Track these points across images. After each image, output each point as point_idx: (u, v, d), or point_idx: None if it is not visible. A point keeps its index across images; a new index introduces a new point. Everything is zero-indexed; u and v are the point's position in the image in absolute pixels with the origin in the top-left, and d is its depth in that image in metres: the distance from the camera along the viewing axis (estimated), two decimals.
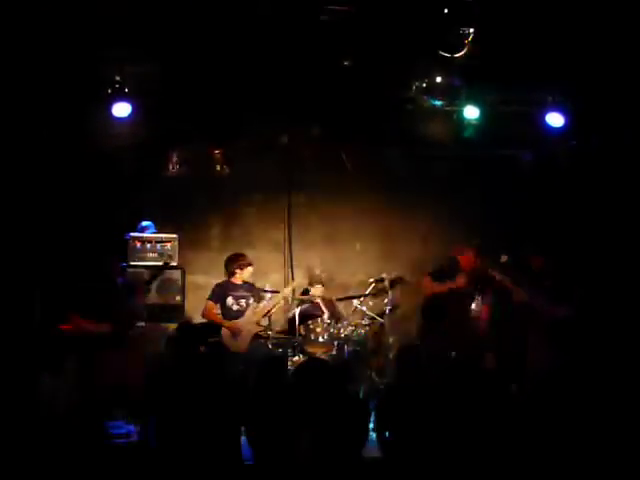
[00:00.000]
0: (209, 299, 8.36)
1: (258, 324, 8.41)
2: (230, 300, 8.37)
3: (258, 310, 8.39)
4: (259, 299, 8.49)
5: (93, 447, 5.63)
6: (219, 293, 8.39)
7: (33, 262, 7.91)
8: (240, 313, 8.35)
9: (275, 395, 5.29)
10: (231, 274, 8.47)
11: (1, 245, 7.83)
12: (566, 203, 9.37)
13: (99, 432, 5.96)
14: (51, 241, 8.22)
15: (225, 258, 8.59)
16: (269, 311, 8.49)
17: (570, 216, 9.26)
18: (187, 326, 6.63)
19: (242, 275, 8.45)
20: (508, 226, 9.44)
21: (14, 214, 8.02)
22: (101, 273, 7.87)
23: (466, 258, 8.20)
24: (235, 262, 8.47)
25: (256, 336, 8.37)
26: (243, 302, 8.40)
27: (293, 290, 8.99)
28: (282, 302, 8.76)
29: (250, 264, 8.50)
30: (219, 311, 8.37)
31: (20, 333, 7.33)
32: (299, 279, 9.08)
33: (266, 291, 8.69)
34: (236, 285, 8.44)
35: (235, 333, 8.22)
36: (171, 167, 9.15)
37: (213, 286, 8.49)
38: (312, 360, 6.27)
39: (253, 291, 8.50)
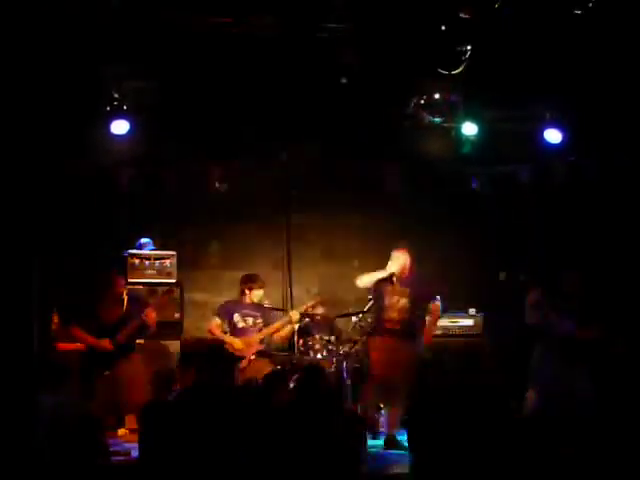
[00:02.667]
0: (215, 315, 8.36)
1: (261, 342, 8.37)
2: (237, 317, 8.34)
3: (265, 330, 8.38)
4: (267, 320, 8.47)
5: (93, 465, 5.59)
6: (226, 310, 8.38)
7: (31, 278, 7.88)
8: (245, 330, 8.33)
9: (274, 413, 5.27)
10: (241, 293, 8.46)
11: None
12: (564, 219, 9.37)
13: (98, 449, 5.91)
14: (49, 257, 8.19)
15: (241, 276, 8.56)
16: (276, 331, 8.46)
17: (569, 232, 9.26)
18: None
19: (250, 296, 8.42)
20: (506, 243, 9.43)
21: (11, 230, 8.00)
22: (102, 288, 7.83)
23: None
24: (246, 282, 8.45)
25: (258, 354, 8.35)
26: (250, 320, 8.36)
27: (301, 315, 8.84)
28: (289, 327, 8.56)
29: (260, 287, 8.45)
30: (226, 328, 8.34)
31: (19, 351, 7.29)
32: (305, 301, 8.88)
33: (274, 309, 8.67)
34: (244, 304, 8.42)
35: (239, 351, 8.19)
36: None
37: (221, 303, 8.49)
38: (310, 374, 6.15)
39: (261, 311, 8.48)
